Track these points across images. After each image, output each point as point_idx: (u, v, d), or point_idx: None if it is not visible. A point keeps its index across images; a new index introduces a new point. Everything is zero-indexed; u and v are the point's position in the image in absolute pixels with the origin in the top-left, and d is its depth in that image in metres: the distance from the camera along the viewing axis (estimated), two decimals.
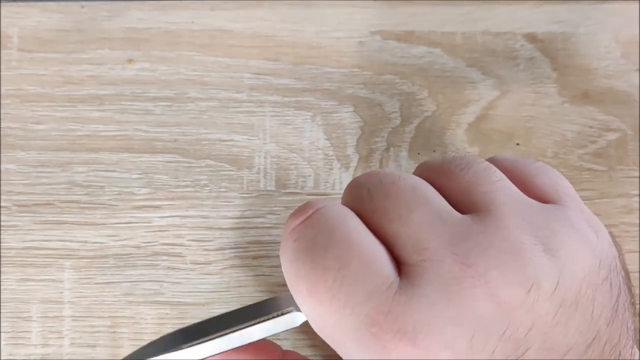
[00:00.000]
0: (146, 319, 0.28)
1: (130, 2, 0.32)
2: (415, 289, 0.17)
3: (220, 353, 0.21)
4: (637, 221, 0.30)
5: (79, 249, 0.29)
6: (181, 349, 0.21)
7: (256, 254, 0.29)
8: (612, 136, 0.31)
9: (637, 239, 0.29)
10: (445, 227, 0.18)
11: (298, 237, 0.18)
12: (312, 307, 0.18)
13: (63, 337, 0.28)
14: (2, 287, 0.28)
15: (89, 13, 0.31)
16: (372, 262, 0.17)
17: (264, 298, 0.22)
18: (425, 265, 0.17)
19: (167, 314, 0.28)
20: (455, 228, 0.18)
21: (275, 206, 0.29)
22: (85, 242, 0.29)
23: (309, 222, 0.19)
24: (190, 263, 0.29)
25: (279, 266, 0.29)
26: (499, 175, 0.19)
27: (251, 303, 0.21)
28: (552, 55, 0.32)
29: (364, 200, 0.19)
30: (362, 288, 0.17)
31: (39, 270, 0.28)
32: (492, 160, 0.21)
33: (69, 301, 0.28)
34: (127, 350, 0.28)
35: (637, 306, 0.29)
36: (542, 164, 0.21)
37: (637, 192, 0.30)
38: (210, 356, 0.21)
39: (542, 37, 0.32)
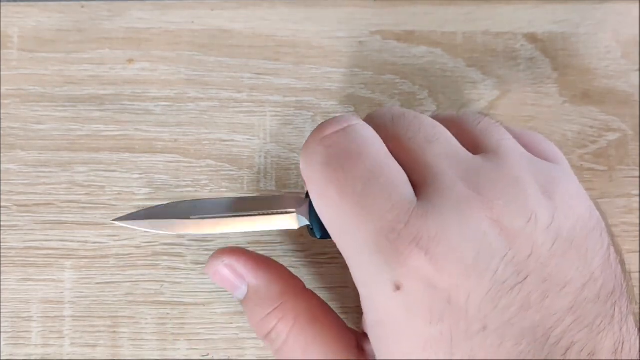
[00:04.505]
0: (146, 319, 0.28)
1: (130, 2, 0.32)
2: (430, 206, 0.18)
3: (215, 234, 0.22)
4: (637, 221, 0.30)
5: (79, 249, 0.29)
6: (182, 219, 0.21)
7: None
8: (612, 136, 0.31)
9: (637, 239, 0.30)
10: (459, 160, 0.20)
11: (331, 144, 0.20)
12: (338, 209, 0.19)
13: (63, 337, 0.28)
14: (2, 287, 0.28)
15: (89, 13, 0.31)
16: (396, 180, 0.19)
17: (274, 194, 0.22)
18: (440, 188, 0.19)
19: (167, 314, 0.28)
20: (468, 163, 0.20)
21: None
22: (86, 242, 0.29)
23: (343, 133, 0.20)
24: (191, 263, 0.29)
25: None
26: (506, 132, 0.21)
27: (258, 195, 0.22)
28: (553, 56, 0.32)
29: (386, 126, 0.21)
30: (388, 199, 0.19)
31: (39, 270, 0.28)
32: None
33: (69, 301, 0.28)
34: (127, 351, 0.28)
35: (637, 306, 0.29)
36: (542, 136, 0.23)
37: (638, 192, 0.30)
38: (204, 234, 0.22)
39: (543, 37, 0.32)
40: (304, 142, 0.21)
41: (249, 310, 0.23)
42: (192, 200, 0.22)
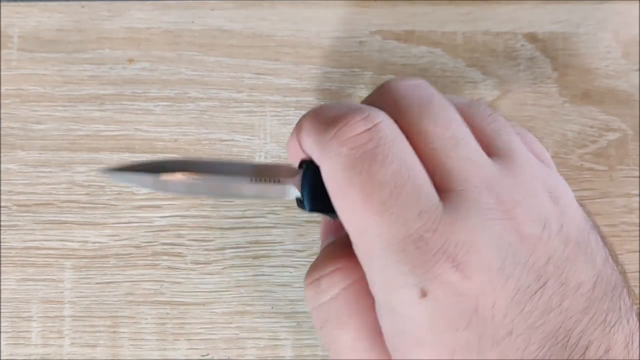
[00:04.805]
0: (146, 318, 0.28)
1: (130, 2, 0.32)
2: (458, 212, 0.18)
3: (202, 195, 0.21)
4: (637, 221, 0.30)
5: (79, 249, 0.29)
6: (165, 174, 0.21)
7: (256, 254, 0.29)
8: (612, 136, 0.31)
9: (637, 239, 0.29)
10: (482, 166, 0.20)
11: (355, 146, 0.19)
12: (361, 212, 0.19)
13: (63, 337, 0.28)
14: (2, 287, 0.28)
15: (89, 13, 0.31)
16: (423, 184, 0.19)
17: (276, 163, 0.22)
18: (466, 195, 0.19)
19: (167, 313, 0.28)
20: (488, 169, 0.20)
21: (276, 206, 0.29)
22: (86, 241, 0.29)
23: (369, 134, 0.19)
24: (191, 263, 0.29)
25: (279, 266, 0.29)
26: (513, 131, 0.22)
27: (252, 162, 0.21)
28: (553, 55, 0.32)
29: (412, 119, 0.20)
30: (415, 206, 0.18)
31: (39, 270, 0.28)
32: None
33: (69, 301, 0.28)
34: (127, 350, 0.28)
35: (637, 306, 0.29)
36: (532, 135, 0.23)
37: (638, 192, 0.30)
38: (188, 193, 0.21)
39: (543, 37, 0.32)
40: (318, 125, 0.20)
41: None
42: (183, 159, 0.21)
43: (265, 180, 0.21)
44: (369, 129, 0.19)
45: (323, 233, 0.24)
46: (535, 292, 0.18)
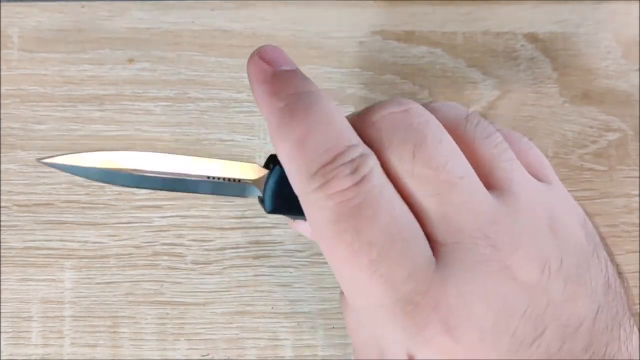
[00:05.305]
0: (146, 318, 0.28)
1: (130, 2, 0.32)
2: (449, 269, 0.17)
3: (158, 189, 0.20)
4: (637, 221, 0.30)
5: (79, 249, 0.29)
6: (132, 172, 0.20)
7: (256, 254, 0.29)
8: (612, 136, 0.31)
9: (637, 239, 0.29)
10: (479, 208, 0.18)
11: (342, 200, 0.17)
12: (349, 271, 0.18)
13: (63, 337, 0.28)
14: (2, 287, 0.28)
15: (89, 13, 0.31)
16: (414, 242, 0.18)
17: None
18: (460, 248, 0.18)
19: (167, 313, 0.28)
20: (487, 208, 0.18)
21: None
22: (86, 242, 0.29)
23: (356, 189, 0.17)
24: (191, 263, 0.29)
25: (279, 266, 0.29)
26: (511, 152, 0.20)
27: (214, 158, 0.21)
28: (553, 55, 0.32)
29: (403, 160, 0.18)
30: (405, 267, 0.17)
31: (39, 270, 0.28)
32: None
33: (69, 301, 0.28)
34: (127, 350, 0.28)
35: (638, 307, 0.29)
36: (527, 139, 0.22)
37: (638, 192, 0.30)
38: (149, 187, 0.21)
39: (543, 37, 0.32)
40: (304, 161, 0.18)
41: None
42: (139, 153, 0.21)
43: (226, 178, 0.21)
44: (356, 183, 0.17)
45: None
46: (533, 342, 0.17)
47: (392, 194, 0.18)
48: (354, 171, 0.18)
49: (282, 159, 0.19)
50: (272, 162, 0.21)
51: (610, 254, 0.20)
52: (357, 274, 0.17)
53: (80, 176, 0.20)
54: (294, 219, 0.21)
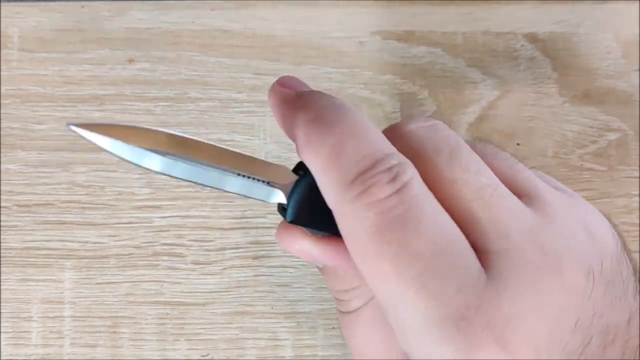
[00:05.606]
0: (146, 319, 0.28)
1: (130, 2, 0.32)
2: (503, 281, 0.16)
3: (186, 180, 0.19)
4: (637, 221, 0.30)
5: (79, 249, 0.29)
6: (160, 153, 0.19)
7: (256, 254, 0.29)
8: (612, 136, 0.31)
9: (637, 239, 0.29)
10: (521, 214, 0.17)
11: (383, 210, 0.16)
12: (393, 287, 0.16)
13: (63, 337, 0.28)
14: (2, 287, 0.28)
15: (89, 13, 0.31)
16: (462, 252, 0.17)
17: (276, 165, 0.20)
18: (510, 255, 0.17)
19: (167, 314, 0.28)
20: (528, 217, 0.17)
21: (276, 206, 0.29)
22: (86, 242, 0.29)
23: (398, 197, 0.16)
24: (191, 263, 0.29)
25: (279, 266, 0.29)
26: (524, 166, 0.20)
27: (247, 155, 0.20)
28: (553, 55, 0.32)
29: (440, 166, 0.18)
30: (455, 279, 0.16)
31: (39, 270, 0.28)
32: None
33: (69, 301, 0.28)
34: (127, 350, 0.28)
35: None
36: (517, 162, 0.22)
37: (638, 192, 0.30)
38: (176, 177, 0.20)
39: (543, 37, 0.32)
40: (339, 172, 0.17)
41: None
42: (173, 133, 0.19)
43: (253, 178, 0.19)
44: (397, 191, 0.16)
45: None
46: (581, 353, 0.17)
47: (434, 202, 0.17)
48: (394, 179, 0.17)
49: (316, 171, 0.18)
50: (302, 168, 0.19)
51: (634, 265, 0.20)
52: (403, 291, 0.16)
53: (106, 149, 0.19)
54: (313, 233, 0.20)
